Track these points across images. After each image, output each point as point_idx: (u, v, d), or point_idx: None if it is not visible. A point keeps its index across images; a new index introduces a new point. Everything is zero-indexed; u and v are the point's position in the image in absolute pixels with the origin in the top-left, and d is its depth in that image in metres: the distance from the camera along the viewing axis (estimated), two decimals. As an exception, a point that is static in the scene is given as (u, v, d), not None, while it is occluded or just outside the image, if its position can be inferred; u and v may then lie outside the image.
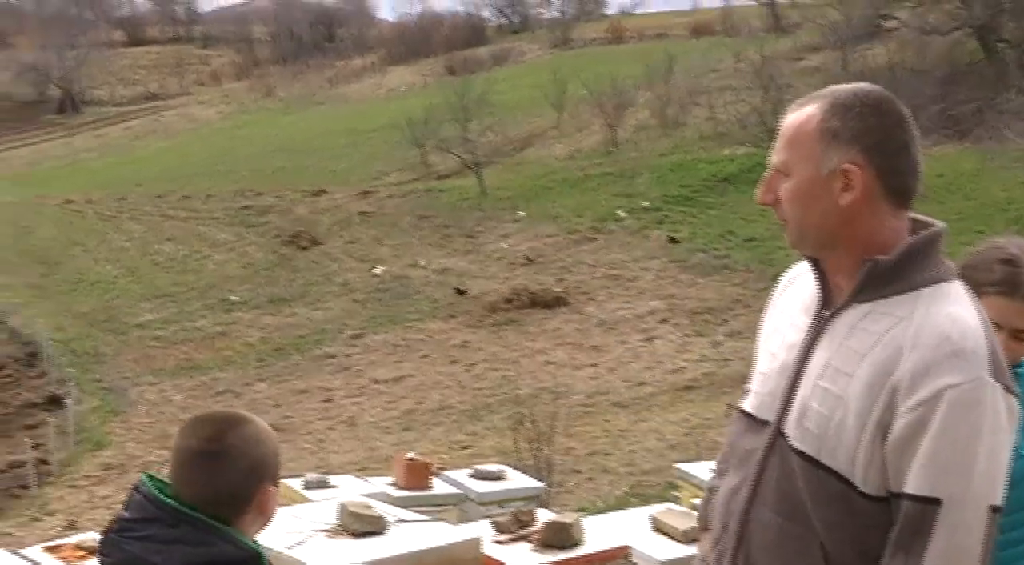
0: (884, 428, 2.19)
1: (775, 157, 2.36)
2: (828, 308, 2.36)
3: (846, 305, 2.33)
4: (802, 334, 2.38)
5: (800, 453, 2.28)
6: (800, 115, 2.34)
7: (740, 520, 2.38)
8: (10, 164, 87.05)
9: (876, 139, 2.28)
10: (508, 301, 32.74)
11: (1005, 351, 2.31)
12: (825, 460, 2.24)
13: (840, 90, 2.35)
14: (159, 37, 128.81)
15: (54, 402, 29.83)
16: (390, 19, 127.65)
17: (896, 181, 2.31)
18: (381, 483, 8.67)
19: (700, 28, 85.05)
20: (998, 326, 2.57)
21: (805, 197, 2.31)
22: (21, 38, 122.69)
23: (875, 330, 2.25)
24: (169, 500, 2.25)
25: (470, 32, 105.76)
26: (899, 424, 2.17)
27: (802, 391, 2.32)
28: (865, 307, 2.30)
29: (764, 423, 2.39)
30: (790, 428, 2.32)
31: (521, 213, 42.47)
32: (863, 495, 2.22)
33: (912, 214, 2.36)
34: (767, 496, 2.33)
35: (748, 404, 2.49)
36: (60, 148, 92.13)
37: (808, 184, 2.30)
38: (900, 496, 2.19)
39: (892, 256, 2.29)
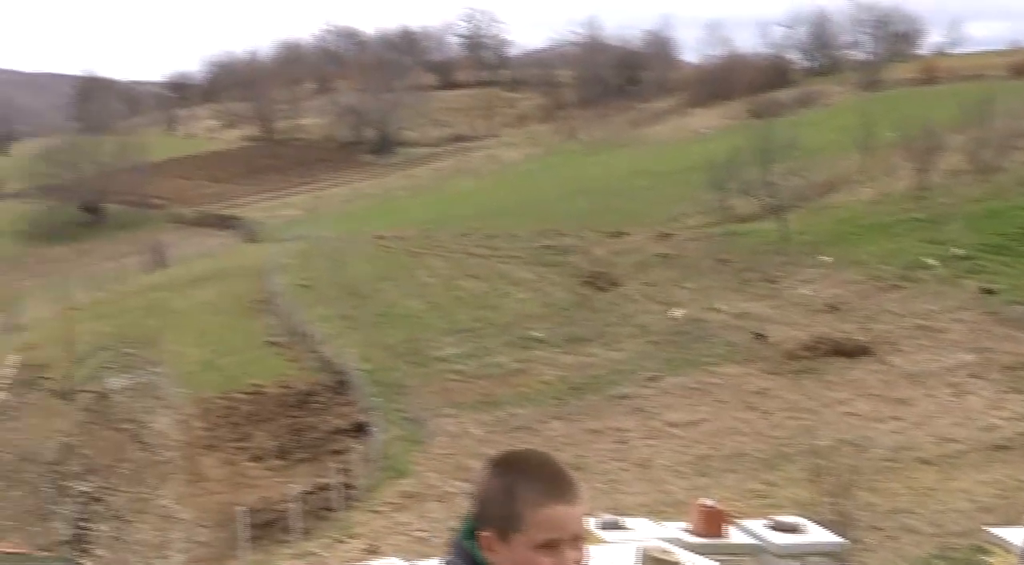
0: None
1: None
2: None
3: None
4: None
5: None
6: None
7: None
8: (329, 202, 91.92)
9: None
10: (809, 348, 31.88)
11: None
12: None
13: None
14: (469, 81, 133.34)
15: (360, 430, 31.06)
16: (693, 61, 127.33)
17: None
18: (675, 528, 8.57)
19: (1020, 69, 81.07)
20: None
21: None
22: (342, 82, 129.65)
23: None
24: (467, 542, 2.30)
25: (774, 74, 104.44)
26: None
27: None
28: None
29: None
30: None
31: (826, 258, 41.42)
32: None
33: None
34: None
35: None
36: (374, 187, 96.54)
37: None
38: None
39: None
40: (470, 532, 2.30)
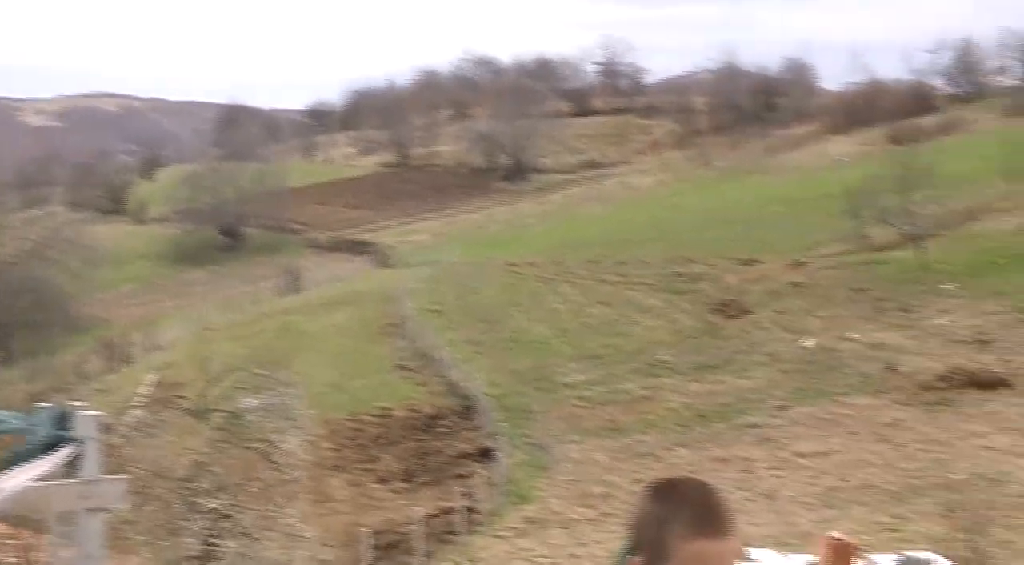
0: None
1: None
2: None
3: None
4: None
5: None
6: None
7: None
8: (462, 227, 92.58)
9: None
10: (944, 379, 30.92)
11: None
12: None
13: None
14: (604, 108, 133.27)
15: (485, 454, 31.08)
16: (832, 88, 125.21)
17: None
18: (801, 560, 8.40)
19: None
20: None
21: None
22: (478, 109, 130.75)
23: None
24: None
25: (916, 101, 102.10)
26: None
27: None
28: None
29: None
30: None
31: (950, 286, 40.34)
32: None
33: None
34: None
35: None
36: (507, 213, 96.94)
37: None
38: None
39: None
40: (625, 554, 2.25)
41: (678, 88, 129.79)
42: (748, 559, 7.90)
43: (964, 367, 31.45)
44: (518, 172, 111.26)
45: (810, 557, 8.45)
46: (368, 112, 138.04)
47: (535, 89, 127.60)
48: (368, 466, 32.18)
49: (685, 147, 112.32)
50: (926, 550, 10.30)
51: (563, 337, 42.41)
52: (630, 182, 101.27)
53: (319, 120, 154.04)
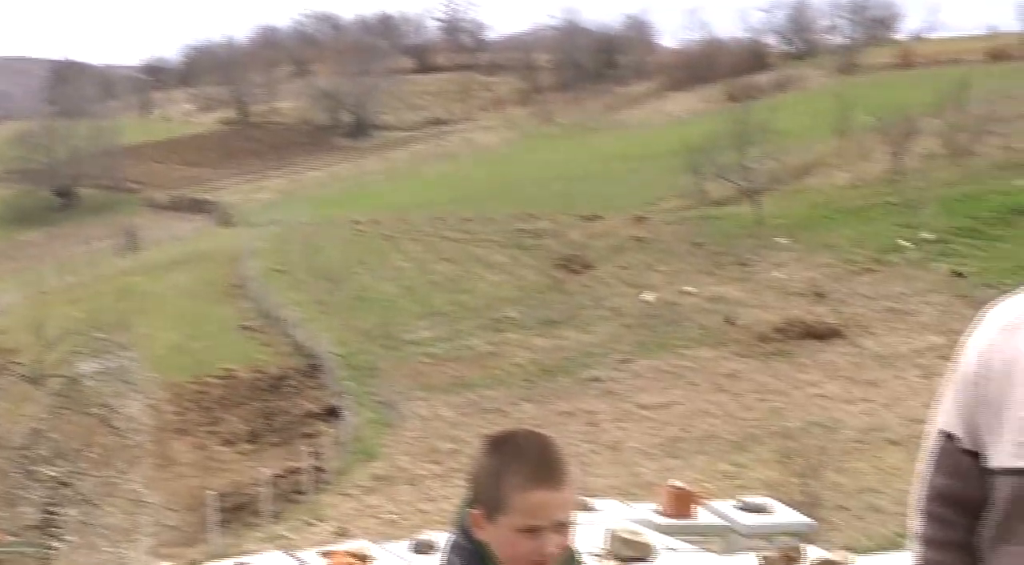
0: None
1: None
2: None
3: None
4: None
5: None
6: None
7: None
8: (305, 185, 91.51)
9: None
10: (780, 331, 31.91)
11: None
12: None
13: None
14: (446, 64, 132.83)
15: (332, 413, 30.98)
16: (671, 45, 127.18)
17: None
18: (645, 509, 8.57)
19: (998, 54, 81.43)
20: None
21: None
22: (319, 66, 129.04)
23: None
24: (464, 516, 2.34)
25: (752, 58, 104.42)
26: None
27: None
28: None
29: None
30: None
31: (783, 240, 41.62)
32: None
33: None
34: None
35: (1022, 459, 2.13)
36: (350, 170, 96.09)
37: None
38: None
39: None
40: (465, 507, 2.33)
41: (521, 45, 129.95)
42: (591, 509, 8.09)
43: (799, 318, 32.50)
44: (360, 129, 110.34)
45: (653, 505, 8.67)
46: (207, 69, 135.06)
47: (377, 46, 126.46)
48: (213, 428, 31.77)
49: (528, 104, 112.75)
50: (763, 495, 10.65)
51: (409, 295, 42.42)
52: (474, 139, 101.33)
53: (155, 77, 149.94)
